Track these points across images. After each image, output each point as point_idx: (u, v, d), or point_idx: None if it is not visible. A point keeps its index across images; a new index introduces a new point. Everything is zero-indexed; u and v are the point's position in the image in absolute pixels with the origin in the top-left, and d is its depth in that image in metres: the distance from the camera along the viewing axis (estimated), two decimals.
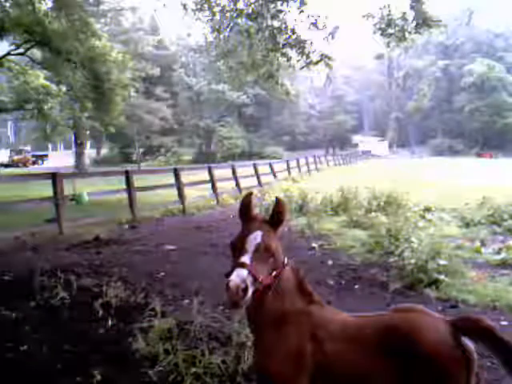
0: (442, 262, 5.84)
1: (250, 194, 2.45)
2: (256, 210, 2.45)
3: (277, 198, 2.40)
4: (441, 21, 12.85)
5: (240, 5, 12.33)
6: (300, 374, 2.14)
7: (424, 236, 7.16)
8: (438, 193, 15.00)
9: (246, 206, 2.39)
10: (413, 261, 5.96)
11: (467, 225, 10.17)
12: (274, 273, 2.20)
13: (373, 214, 10.42)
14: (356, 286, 5.97)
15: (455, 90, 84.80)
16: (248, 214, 2.36)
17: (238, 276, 2.03)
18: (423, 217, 10.79)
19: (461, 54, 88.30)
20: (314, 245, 8.52)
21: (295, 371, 2.14)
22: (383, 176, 25.47)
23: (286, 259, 2.32)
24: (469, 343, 2.04)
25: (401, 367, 2.01)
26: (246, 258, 2.12)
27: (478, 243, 8.03)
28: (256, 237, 2.19)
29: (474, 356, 2.04)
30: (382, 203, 11.74)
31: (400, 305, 2.46)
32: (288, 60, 13.00)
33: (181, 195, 14.35)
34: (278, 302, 2.26)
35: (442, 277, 5.72)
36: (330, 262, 7.28)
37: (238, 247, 2.21)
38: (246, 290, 2.02)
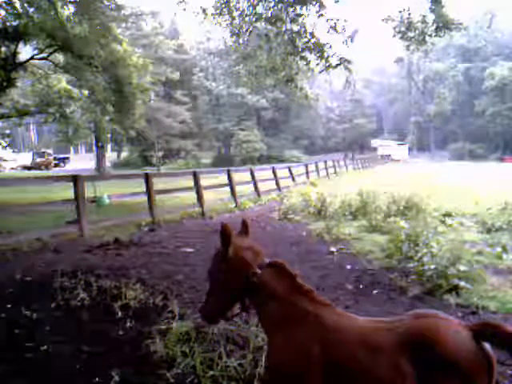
0: (462, 268, 5.77)
1: (226, 225, 2.45)
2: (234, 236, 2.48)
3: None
4: (461, 23, 12.72)
5: (259, 9, 12.37)
6: (310, 378, 2.13)
7: (444, 241, 7.08)
8: (459, 198, 14.80)
9: (227, 236, 2.42)
10: (432, 266, 5.89)
11: (488, 230, 10.01)
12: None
13: (392, 218, 10.33)
14: (374, 291, 5.92)
15: (476, 93, 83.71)
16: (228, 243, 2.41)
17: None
18: (443, 222, 10.68)
19: (482, 57, 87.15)
20: (332, 249, 8.48)
21: (304, 374, 2.13)
22: (402, 180, 25.25)
23: (255, 269, 2.36)
24: (489, 349, 2.02)
25: (422, 374, 1.98)
26: None
27: (498, 249, 7.90)
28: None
29: (495, 361, 2.02)
30: (401, 208, 11.63)
31: (418, 310, 2.43)
32: (307, 64, 12.98)
33: (200, 198, 14.41)
34: (275, 304, 2.30)
35: (462, 283, 5.64)
36: (349, 267, 7.23)
37: None
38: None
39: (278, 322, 2.27)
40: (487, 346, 2.02)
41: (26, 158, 60.27)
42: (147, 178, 12.80)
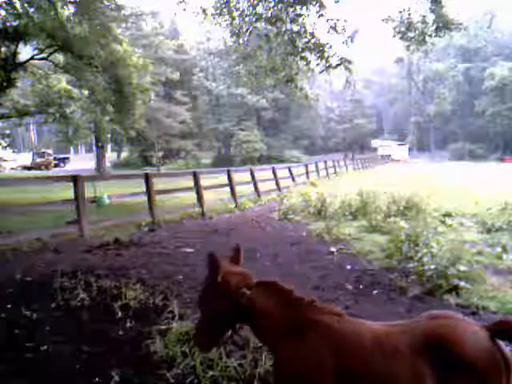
0: (462, 268, 5.76)
1: (213, 257, 2.40)
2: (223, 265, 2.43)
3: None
4: (461, 24, 12.72)
5: (259, 9, 12.37)
6: None
7: (444, 241, 7.08)
8: (459, 198, 14.80)
9: (215, 268, 2.37)
10: (432, 266, 5.89)
11: (488, 230, 10.00)
12: None
13: (392, 218, 10.33)
14: (374, 291, 5.91)
15: (476, 93, 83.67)
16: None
17: None
18: (443, 222, 10.67)
19: (482, 58, 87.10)
20: (332, 249, 8.47)
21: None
22: (402, 180, 25.23)
23: (243, 289, 2.33)
24: (507, 349, 2.03)
25: (440, 375, 1.97)
26: None
27: (498, 249, 7.90)
28: None
29: None
30: (401, 208, 11.63)
31: (433, 311, 2.40)
32: (307, 64, 12.98)
33: (200, 198, 14.40)
34: (273, 321, 2.27)
35: (462, 283, 5.64)
36: (349, 267, 7.23)
37: None
38: None
39: (282, 337, 2.23)
40: (505, 346, 2.02)
41: (26, 158, 60.25)
42: (147, 178, 12.79)
